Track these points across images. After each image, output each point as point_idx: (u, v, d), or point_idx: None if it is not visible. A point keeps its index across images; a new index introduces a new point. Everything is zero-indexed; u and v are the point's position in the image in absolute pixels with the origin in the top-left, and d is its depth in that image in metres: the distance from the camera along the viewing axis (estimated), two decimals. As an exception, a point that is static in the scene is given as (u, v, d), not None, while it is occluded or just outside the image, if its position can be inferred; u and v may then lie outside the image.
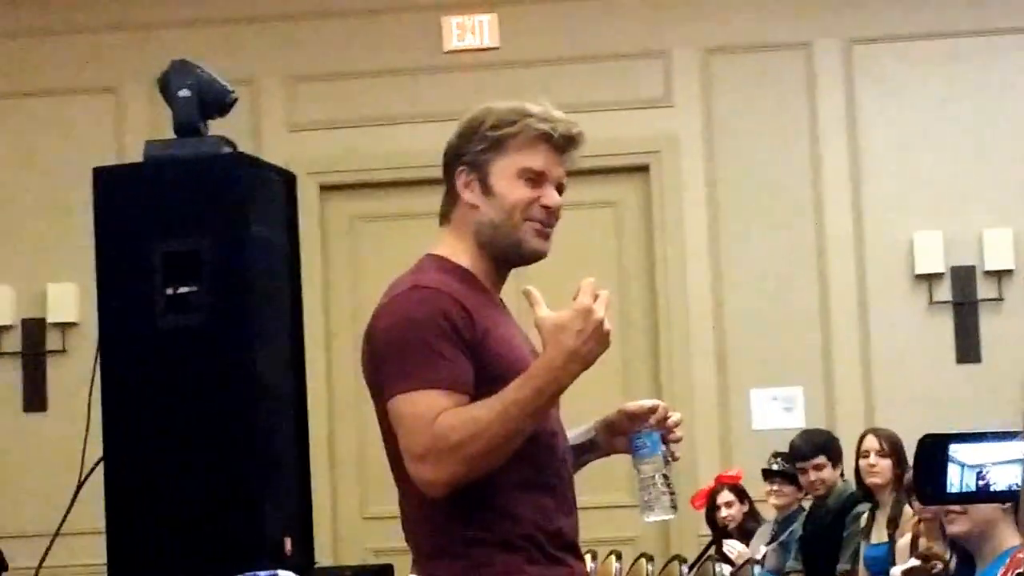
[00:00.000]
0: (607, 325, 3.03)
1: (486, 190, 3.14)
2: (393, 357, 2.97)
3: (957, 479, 1.58)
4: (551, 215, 3.19)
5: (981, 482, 1.58)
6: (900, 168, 8.71)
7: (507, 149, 3.14)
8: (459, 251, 3.14)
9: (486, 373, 2.99)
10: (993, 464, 1.59)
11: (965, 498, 1.62)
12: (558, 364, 2.98)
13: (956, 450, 1.58)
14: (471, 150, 3.15)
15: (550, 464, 3.08)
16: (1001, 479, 1.59)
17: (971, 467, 1.58)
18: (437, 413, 2.92)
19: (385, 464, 3.10)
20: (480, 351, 3.00)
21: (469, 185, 3.14)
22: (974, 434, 1.62)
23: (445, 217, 3.19)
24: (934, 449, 1.59)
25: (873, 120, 8.76)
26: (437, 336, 2.96)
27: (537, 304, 3.07)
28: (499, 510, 3.01)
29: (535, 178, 3.16)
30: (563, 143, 3.20)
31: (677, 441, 3.22)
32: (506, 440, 2.93)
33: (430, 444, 2.90)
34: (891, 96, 8.76)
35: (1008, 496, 1.60)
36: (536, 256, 3.21)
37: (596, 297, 3.06)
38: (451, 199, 3.18)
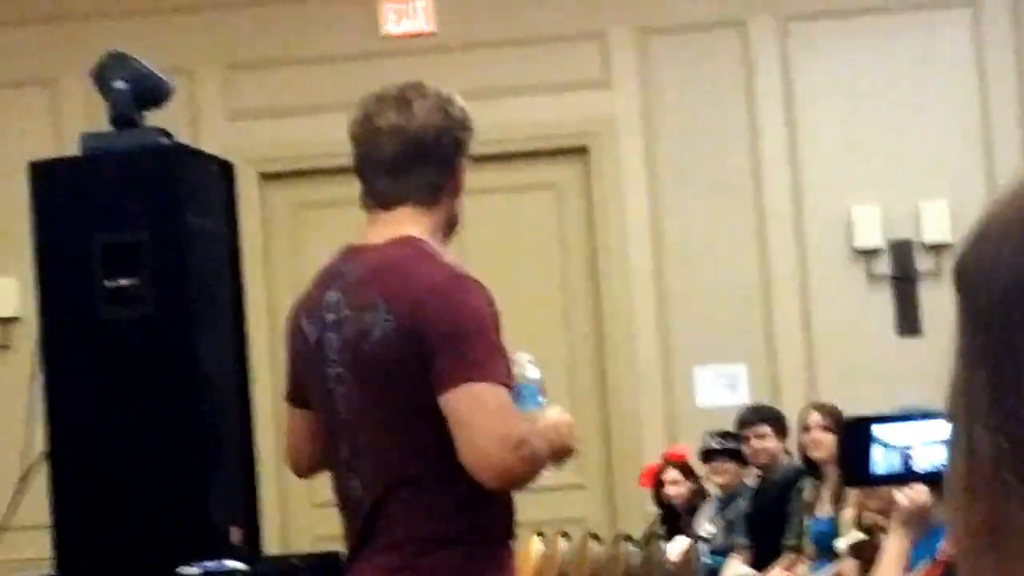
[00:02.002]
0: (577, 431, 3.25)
1: (459, 183, 3.22)
2: (461, 346, 2.98)
3: (882, 460, 1.60)
4: None
5: (906, 463, 1.60)
6: (837, 143, 8.76)
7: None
8: (433, 234, 3.16)
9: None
10: (917, 444, 1.61)
11: (890, 480, 1.63)
12: (550, 426, 3.16)
13: (880, 431, 1.59)
14: (468, 140, 3.20)
15: None
16: (926, 460, 1.61)
17: (895, 448, 1.59)
18: (518, 414, 3.01)
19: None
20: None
21: (462, 176, 3.21)
22: (898, 415, 1.63)
23: (433, 196, 3.16)
24: (858, 431, 1.60)
25: (810, 96, 8.79)
26: (495, 332, 3.04)
27: None
28: (492, 506, 3.09)
29: None
30: None
31: None
32: (540, 473, 3.07)
33: (526, 437, 2.97)
34: (827, 72, 8.80)
35: (933, 477, 1.62)
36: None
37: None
38: (439, 182, 3.16)
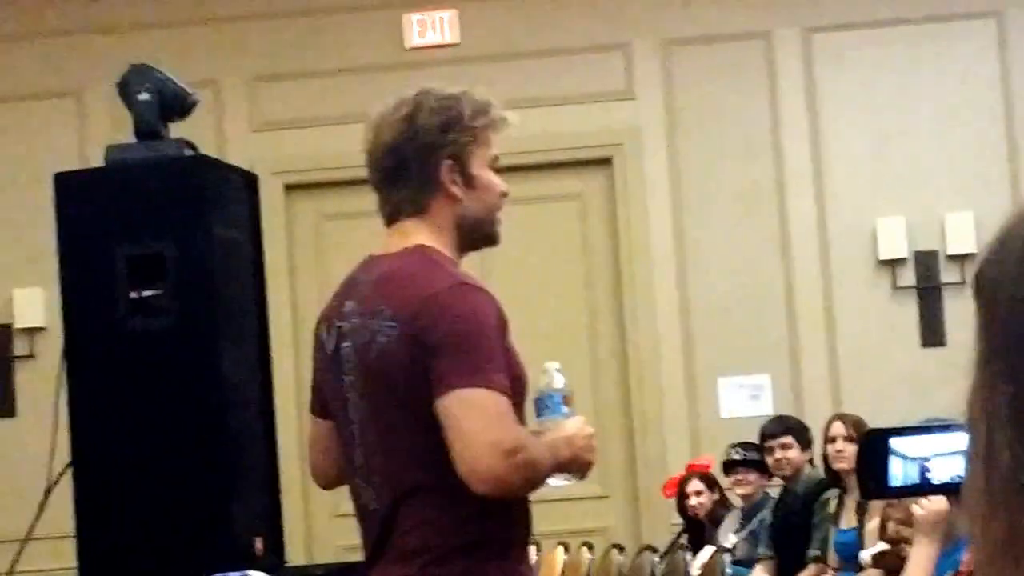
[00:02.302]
0: (595, 443, 3.21)
1: (467, 182, 3.14)
2: (461, 352, 2.96)
3: (900, 473, 1.59)
4: (503, 199, 3.25)
5: (924, 475, 1.59)
6: (862, 155, 8.74)
7: (481, 140, 3.16)
8: (441, 244, 3.13)
9: (512, 376, 3.03)
10: (935, 456, 1.60)
11: (907, 491, 1.63)
12: (562, 438, 3.13)
13: (898, 443, 1.59)
14: (454, 140, 3.12)
15: None
16: (943, 471, 1.61)
17: (913, 460, 1.59)
18: (515, 418, 2.99)
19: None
20: (510, 356, 3.06)
21: (453, 178, 3.13)
22: (917, 427, 1.63)
23: (417, 210, 3.14)
24: (875, 443, 1.60)
25: (834, 108, 8.78)
26: (496, 340, 3.00)
27: None
28: (502, 515, 3.06)
29: (496, 165, 3.21)
30: (507, 126, 3.24)
31: None
32: (542, 482, 3.07)
33: (520, 444, 2.95)
34: (852, 83, 8.79)
35: (951, 488, 1.61)
36: (496, 244, 3.27)
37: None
38: (428, 191, 3.13)
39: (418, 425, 2.99)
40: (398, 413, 3.03)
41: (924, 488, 1.62)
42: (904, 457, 1.59)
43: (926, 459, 1.60)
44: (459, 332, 2.97)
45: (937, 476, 1.61)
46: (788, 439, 7.62)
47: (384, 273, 3.10)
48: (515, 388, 3.03)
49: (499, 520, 3.05)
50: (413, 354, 2.98)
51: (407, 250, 3.11)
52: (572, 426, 3.15)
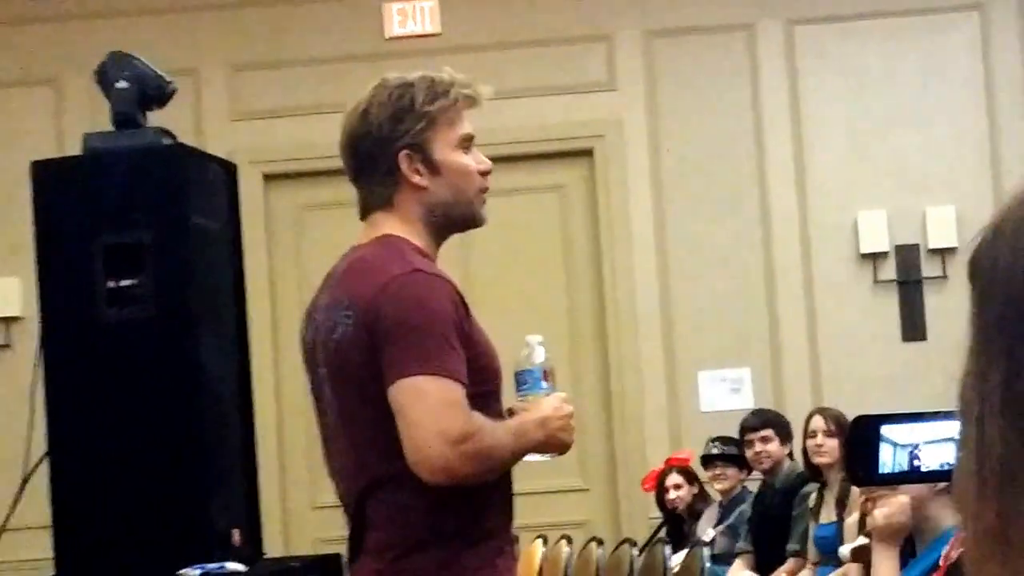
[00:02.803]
0: (573, 423, 3.16)
1: (432, 168, 3.10)
2: (409, 340, 2.92)
3: (889, 460, 1.57)
4: (487, 178, 3.20)
5: (913, 462, 1.57)
6: (843, 148, 8.74)
7: (441, 123, 3.11)
8: (411, 234, 3.10)
9: (475, 364, 3.00)
10: (925, 443, 1.58)
11: (897, 479, 1.61)
12: (535, 420, 3.07)
13: (888, 431, 1.57)
14: (408, 130, 3.09)
15: None
16: (933, 459, 1.59)
17: (903, 447, 1.57)
18: (467, 406, 2.93)
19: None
20: (471, 342, 3.01)
21: (413, 167, 3.09)
22: (907, 414, 1.61)
23: (385, 202, 3.12)
24: (866, 430, 1.58)
25: (816, 100, 8.78)
26: (449, 326, 2.95)
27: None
28: (473, 505, 3.01)
29: (468, 144, 3.16)
30: (479, 103, 3.19)
31: None
32: (503, 467, 3.04)
33: (469, 432, 2.90)
34: (833, 76, 8.78)
35: (940, 476, 1.60)
36: (482, 225, 3.24)
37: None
38: (391, 183, 3.11)
39: (378, 416, 2.95)
40: (359, 404, 3.00)
41: (913, 475, 1.60)
42: (894, 444, 1.57)
43: (916, 446, 1.58)
44: (408, 320, 2.93)
45: (927, 463, 1.59)
46: (768, 432, 7.61)
47: (349, 264, 3.10)
48: (482, 375, 3.01)
49: (470, 510, 3.01)
50: (368, 343, 2.96)
51: (373, 240, 3.10)
52: (548, 405, 3.10)
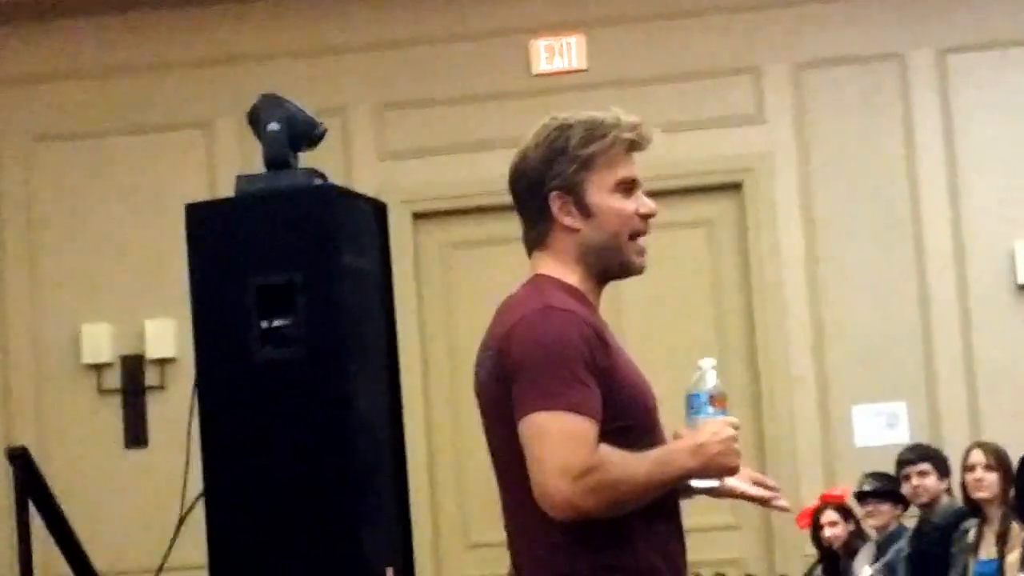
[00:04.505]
0: (738, 445, 3.07)
1: (584, 211, 3.09)
2: (533, 375, 2.92)
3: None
4: (648, 222, 3.17)
5: None
6: (998, 177, 8.60)
7: (598, 165, 3.09)
8: (565, 274, 3.10)
9: (616, 398, 2.98)
10: None
11: None
12: (690, 447, 3.01)
13: None
14: (560, 172, 3.08)
15: (668, 492, 3.06)
16: None
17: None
18: (594, 440, 2.90)
19: (490, 490, 3.07)
20: (610, 376, 2.99)
21: (565, 208, 3.09)
22: None
23: (540, 243, 3.13)
24: None
25: (969, 129, 8.64)
26: (576, 361, 2.93)
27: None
28: (624, 538, 2.98)
29: (629, 187, 3.14)
30: (644, 146, 3.17)
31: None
32: (640, 499, 2.95)
33: (591, 466, 2.88)
34: (987, 104, 8.64)
35: None
36: (637, 274, 3.19)
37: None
38: (545, 224, 3.12)
39: (516, 455, 2.96)
40: (504, 443, 3.02)
41: None
42: None
43: None
44: (531, 356, 2.94)
45: None
46: (925, 466, 7.50)
47: (501, 304, 3.12)
48: (625, 410, 2.99)
49: (613, 546, 2.97)
50: (502, 382, 2.98)
51: (527, 281, 3.12)
52: (707, 431, 3.03)
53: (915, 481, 7.52)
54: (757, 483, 3.30)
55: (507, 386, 2.97)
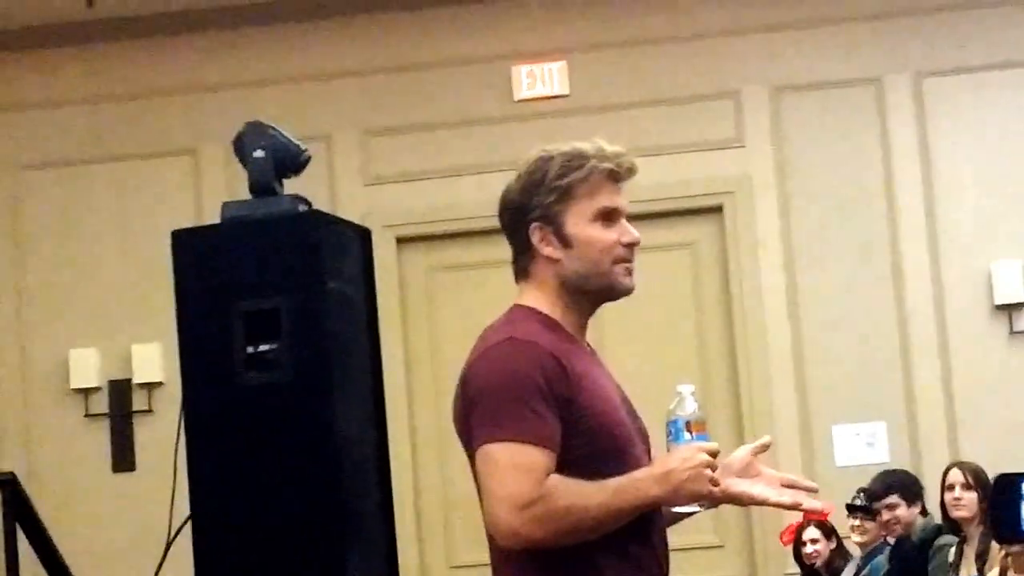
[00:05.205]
0: (711, 474, 3.03)
1: (564, 241, 3.12)
2: (486, 406, 2.96)
3: (1033, 517, 1.57)
4: (632, 250, 3.18)
5: None
6: (975, 199, 8.67)
7: (576, 196, 3.11)
8: (545, 303, 3.12)
9: (581, 426, 2.99)
10: None
11: None
12: (655, 474, 3.00)
13: None
14: (539, 204, 3.11)
15: (646, 515, 3.06)
16: None
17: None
18: (543, 469, 2.92)
19: (474, 513, 3.10)
20: (574, 405, 2.99)
21: (545, 239, 3.12)
22: None
23: (524, 272, 3.17)
24: (1007, 488, 1.58)
25: (946, 152, 8.72)
26: (531, 391, 2.94)
27: None
28: (589, 564, 2.99)
29: (610, 216, 3.15)
30: (626, 176, 3.19)
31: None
32: (595, 527, 2.95)
33: (537, 496, 2.90)
34: (964, 128, 8.72)
35: None
36: (626, 295, 3.21)
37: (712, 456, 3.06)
38: (527, 255, 3.15)
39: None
40: (473, 473, 3.05)
41: None
42: None
43: None
44: (487, 387, 2.97)
45: None
46: (893, 499, 7.53)
47: (478, 337, 3.14)
48: (591, 436, 2.99)
49: (584, 570, 2.98)
50: (465, 413, 3.03)
51: (507, 310, 3.15)
52: (676, 458, 3.01)
53: (886, 515, 7.55)
54: (787, 485, 3.25)
55: (468, 416, 3.02)
